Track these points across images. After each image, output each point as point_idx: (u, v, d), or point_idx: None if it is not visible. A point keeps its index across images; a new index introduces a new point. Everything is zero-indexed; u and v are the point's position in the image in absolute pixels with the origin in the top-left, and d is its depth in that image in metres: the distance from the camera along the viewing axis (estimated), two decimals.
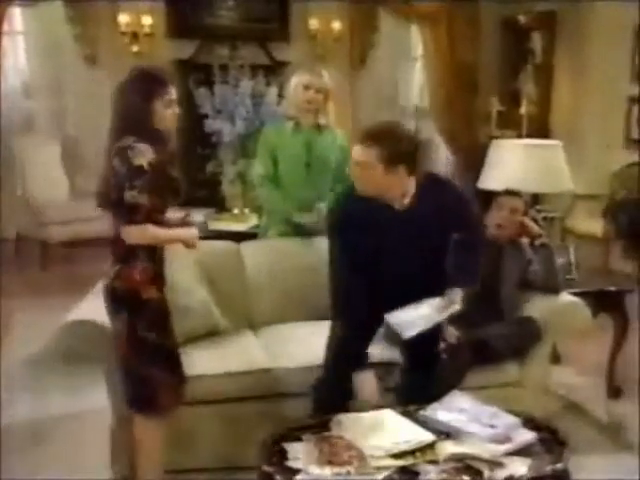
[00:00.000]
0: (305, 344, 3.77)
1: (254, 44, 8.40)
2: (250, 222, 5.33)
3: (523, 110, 8.27)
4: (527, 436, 2.87)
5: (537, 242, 4.09)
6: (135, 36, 8.12)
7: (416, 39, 9.29)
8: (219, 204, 5.65)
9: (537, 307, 3.97)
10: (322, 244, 4.29)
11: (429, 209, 3.20)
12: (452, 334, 3.69)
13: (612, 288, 4.61)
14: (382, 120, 3.35)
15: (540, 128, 8.19)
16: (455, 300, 3.29)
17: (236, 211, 5.46)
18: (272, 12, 8.59)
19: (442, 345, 3.63)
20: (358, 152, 3.11)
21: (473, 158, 6.73)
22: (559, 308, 3.98)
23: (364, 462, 2.67)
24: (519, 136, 7.82)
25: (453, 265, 3.36)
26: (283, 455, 2.76)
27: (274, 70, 7.88)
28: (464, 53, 8.99)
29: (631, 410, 4.42)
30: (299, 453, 2.75)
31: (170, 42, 8.37)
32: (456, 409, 2.99)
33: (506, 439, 2.82)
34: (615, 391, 4.63)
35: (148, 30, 8.14)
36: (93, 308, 3.45)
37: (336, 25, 8.47)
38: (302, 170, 4.36)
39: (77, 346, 3.47)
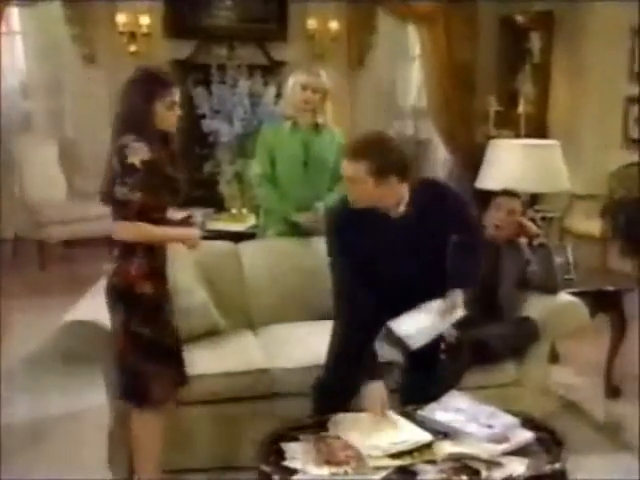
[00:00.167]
0: (303, 344, 3.77)
1: (252, 44, 8.39)
2: (248, 222, 5.33)
3: (521, 110, 8.27)
4: (525, 436, 2.87)
5: (535, 242, 4.09)
6: (133, 36, 8.11)
7: (414, 39, 9.28)
8: (217, 204, 5.66)
9: (535, 307, 3.98)
10: (320, 244, 4.28)
11: (425, 214, 3.19)
12: (451, 334, 3.69)
13: (610, 288, 4.61)
14: (368, 132, 3.32)
15: (538, 128, 8.19)
16: (457, 302, 3.28)
17: (234, 211, 5.46)
18: (270, 12, 8.58)
19: (441, 345, 3.63)
20: (347, 167, 3.10)
21: (471, 158, 6.74)
22: (557, 308, 3.98)
23: (362, 462, 2.67)
24: (517, 136, 7.82)
25: (452, 267, 3.35)
26: (281, 455, 2.76)
27: (272, 70, 7.88)
28: (462, 53, 8.99)
29: (629, 410, 4.42)
30: (297, 453, 2.75)
31: (168, 42, 8.36)
32: (454, 409, 2.99)
33: (504, 439, 2.82)
34: (613, 391, 4.63)
35: (146, 30, 8.13)
36: (91, 308, 3.46)
37: (334, 25, 8.46)
38: (300, 170, 4.37)
39: (75, 346, 3.47)
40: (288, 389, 3.62)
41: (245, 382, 3.62)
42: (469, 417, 2.93)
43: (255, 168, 4.49)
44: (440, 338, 3.51)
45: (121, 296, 3.08)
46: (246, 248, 4.35)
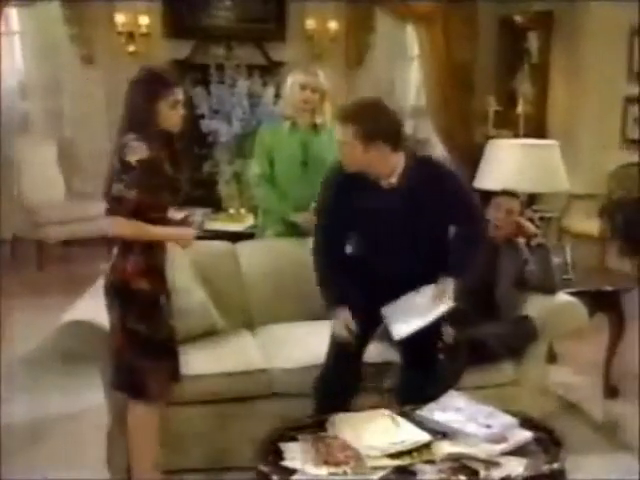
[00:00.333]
0: (302, 344, 3.77)
1: (250, 44, 8.40)
2: (247, 222, 5.33)
3: (520, 110, 8.28)
4: (523, 436, 2.88)
5: (533, 242, 4.09)
6: (131, 36, 8.11)
7: (412, 39, 9.28)
8: (215, 204, 5.65)
9: (534, 307, 3.97)
10: None
11: (418, 191, 3.18)
12: (449, 334, 3.69)
13: (608, 288, 4.61)
14: (362, 97, 3.36)
15: (537, 128, 8.19)
16: (446, 291, 3.26)
17: (233, 211, 5.46)
18: (268, 12, 8.58)
19: (439, 345, 3.63)
20: (337, 130, 3.16)
21: (470, 158, 6.74)
22: (555, 308, 3.98)
23: (360, 462, 2.67)
24: (516, 136, 7.83)
25: (450, 256, 3.34)
26: (279, 455, 2.76)
27: (270, 70, 7.89)
28: (460, 53, 8.99)
29: (628, 410, 4.43)
30: (295, 453, 2.75)
31: (167, 42, 8.36)
32: (453, 409, 2.99)
33: (502, 439, 2.82)
34: (611, 390, 4.63)
35: (145, 30, 8.14)
36: (90, 308, 3.46)
37: (332, 25, 8.46)
38: (299, 170, 4.37)
39: (74, 346, 3.47)
40: (287, 389, 3.62)
41: (244, 382, 3.62)
42: (467, 417, 2.93)
43: (254, 168, 4.49)
44: (437, 337, 3.52)
45: (118, 292, 3.12)
46: (244, 248, 4.35)
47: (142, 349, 3.11)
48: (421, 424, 2.93)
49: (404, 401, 3.24)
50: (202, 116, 5.38)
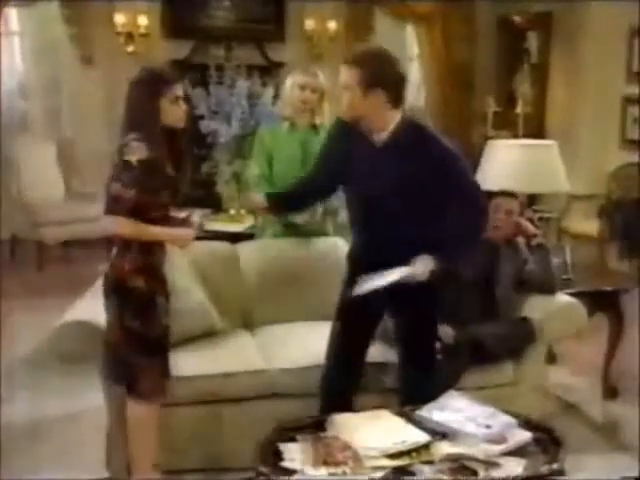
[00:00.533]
0: (302, 345, 3.77)
1: (250, 45, 8.40)
2: (246, 223, 5.33)
3: (519, 110, 8.28)
4: (523, 436, 2.87)
5: (533, 242, 4.09)
6: (131, 36, 8.12)
7: (412, 39, 9.29)
8: (215, 204, 5.65)
9: (533, 307, 3.97)
10: (318, 244, 4.32)
11: (406, 153, 3.16)
12: (448, 334, 3.69)
13: (608, 288, 4.61)
14: (371, 45, 3.41)
15: (536, 128, 8.20)
16: (421, 268, 3.15)
17: (232, 212, 5.45)
18: (268, 13, 8.59)
19: (438, 345, 3.63)
20: (341, 74, 3.18)
21: (469, 158, 6.74)
22: (555, 309, 3.97)
23: (359, 462, 2.67)
24: (515, 136, 7.84)
25: (437, 234, 3.19)
26: (279, 456, 2.76)
27: (270, 71, 7.89)
28: (460, 53, 9.00)
29: (627, 410, 4.43)
30: (295, 453, 2.75)
31: (166, 42, 8.37)
32: (452, 409, 2.99)
33: (502, 439, 2.81)
34: (611, 391, 4.63)
35: (144, 30, 8.14)
36: (90, 308, 3.46)
37: (332, 25, 8.47)
38: (298, 170, 4.35)
39: (73, 347, 3.47)
40: (287, 390, 3.62)
41: (243, 382, 3.61)
42: (467, 417, 2.92)
43: (253, 169, 4.49)
44: (434, 336, 3.51)
45: (115, 290, 3.15)
46: (244, 249, 4.35)
47: (137, 346, 3.14)
48: (420, 424, 2.92)
49: (404, 401, 3.24)
50: (201, 117, 5.38)
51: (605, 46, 7.46)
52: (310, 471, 2.63)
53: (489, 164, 4.88)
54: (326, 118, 4.40)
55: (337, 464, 2.65)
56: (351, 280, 3.33)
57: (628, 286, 4.76)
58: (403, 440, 2.79)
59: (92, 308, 3.40)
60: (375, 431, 2.86)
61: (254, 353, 3.83)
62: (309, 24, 8.49)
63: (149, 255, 3.15)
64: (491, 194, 4.21)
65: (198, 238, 3.47)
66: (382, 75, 3.14)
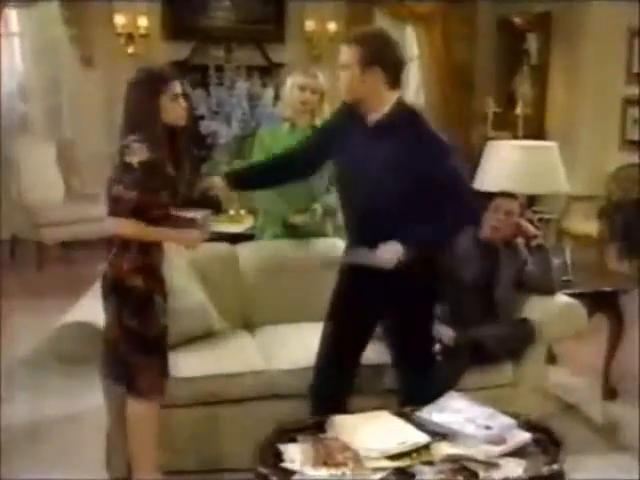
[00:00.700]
0: (301, 345, 3.76)
1: (250, 45, 8.40)
2: (246, 223, 5.33)
3: (519, 111, 8.29)
4: (523, 437, 2.87)
5: (533, 243, 4.09)
6: (131, 37, 8.13)
7: (412, 40, 9.30)
8: (215, 206, 5.64)
9: (533, 308, 3.98)
10: (318, 245, 4.31)
11: (396, 135, 3.14)
12: (448, 335, 3.69)
13: (608, 289, 4.61)
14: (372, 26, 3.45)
15: (536, 129, 8.21)
16: (387, 254, 3.10)
17: (232, 212, 5.46)
18: (268, 13, 8.60)
19: (438, 347, 3.63)
20: (341, 53, 3.23)
21: (469, 159, 6.75)
22: (555, 309, 3.97)
23: (360, 463, 2.67)
24: (515, 137, 7.84)
25: (415, 220, 3.13)
26: (278, 456, 2.76)
27: (270, 71, 7.90)
28: (460, 54, 9.01)
29: (627, 411, 4.43)
30: (295, 454, 2.75)
31: (166, 43, 8.37)
32: (452, 410, 2.99)
33: (502, 440, 2.81)
34: (610, 392, 4.63)
35: (144, 31, 8.15)
36: (89, 309, 3.47)
37: (332, 26, 8.47)
38: None
39: (73, 347, 3.47)
40: (287, 390, 3.62)
41: (244, 383, 3.61)
42: (467, 418, 2.92)
43: None
44: (430, 339, 3.51)
45: (113, 288, 3.15)
46: (244, 250, 4.34)
47: (135, 345, 3.15)
48: (420, 425, 2.93)
49: (404, 402, 3.24)
50: (201, 117, 5.38)
51: (605, 47, 7.46)
52: (310, 472, 2.63)
53: (489, 165, 4.88)
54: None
55: (337, 465, 2.65)
56: (342, 276, 3.39)
57: (628, 287, 4.76)
58: (403, 441, 2.80)
59: (92, 309, 3.40)
60: (375, 432, 2.86)
61: (254, 354, 3.83)
62: (309, 25, 8.50)
63: (148, 255, 3.16)
64: (491, 195, 4.21)
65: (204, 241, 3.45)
66: (381, 54, 3.16)
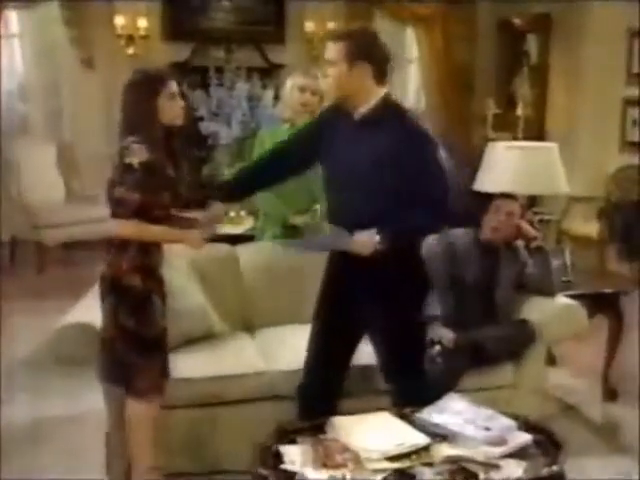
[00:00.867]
0: (301, 347, 3.74)
1: (250, 47, 8.41)
2: (246, 225, 5.33)
3: (519, 112, 8.28)
4: (522, 438, 2.87)
5: (533, 245, 4.09)
6: (131, 39, 8.13)
7: (411, 41, 9.30)
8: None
9: (533, 309, 3.98)
10: None
11: (380, 130, 3.14)
12: (448, 337, 3.69)
13: (608, 290, 4.61)
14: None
15: (536, 130, 8.21)
16: (361, 240, 3.11)
17: (232, 214, 5.46)
18: (268, 15, 8.60)
19: (438, 348, 3.63)
20: (327, 50, 3.20)
21: (469, 160, 6.75)
22: (555, 311, 3.97)
23: (359, 465, 2.67)
24: (515, 138, 7.83)
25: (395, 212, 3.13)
26: (278, 458, 2.76)
27: (270, 73, 7.91)
28: (460, 55, 9.01)
29: (627, 412, 4.43)
30: (294, 456, 2.75)
31: (166, 45, 8.38)
32: (452, 411, 2.99)
33: (501, 441, 2.81)
34: (610, 393, 4.63)
35: (144, 33, 8.15)
36: (89, 311, 3.46)
37: (331, 27, 8.46)
38: None
39: (73, 349, 3.47)
40: (286, 392, 3.61)
41: (244, 385, 3.62)
42: (467, 420, 2.92)
43: None
44: (421, 339, 3.50)
45: (111, 288, 3.15)
46: (244, 251, 4.35)
47: (132, 345, 3.14)
48: (420, 427, 2.92)
49: (403, 403, 3.24)
50: (202, 119, 5.39)
51: (605, 48, 7.46)
52: (310, 473, 2.63)
53: (489, 166, 4.88)
54: None
55: (337, 466, 2.65)
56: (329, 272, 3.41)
57: (628, 288, 4.76)
58: (403, 442, 2.79)
59: (92, 310, 3.39)
60: (375, 433, 2.86)
61: (254, 355, 3.83)
62: (309, 26, 8.50)
63: (147, 255, 3.16)
64: (492, 196, 4.21)
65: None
66: (368, 49, 3.16)
